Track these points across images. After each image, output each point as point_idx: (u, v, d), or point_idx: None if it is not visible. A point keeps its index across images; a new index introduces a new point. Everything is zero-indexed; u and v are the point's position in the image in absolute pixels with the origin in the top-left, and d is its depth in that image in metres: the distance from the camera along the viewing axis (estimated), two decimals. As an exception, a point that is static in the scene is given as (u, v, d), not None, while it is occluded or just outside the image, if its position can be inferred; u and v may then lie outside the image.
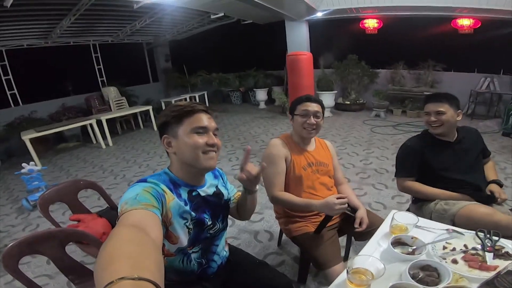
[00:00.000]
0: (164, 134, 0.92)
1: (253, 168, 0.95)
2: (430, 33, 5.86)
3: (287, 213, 1.51)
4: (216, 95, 8.97)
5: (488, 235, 0.99)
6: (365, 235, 1.43)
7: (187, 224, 0.91)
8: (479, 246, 0.96)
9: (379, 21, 5.94)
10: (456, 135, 1.53)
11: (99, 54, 7.13)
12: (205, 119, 0.91)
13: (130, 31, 6.45)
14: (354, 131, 5.16)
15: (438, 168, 1.49)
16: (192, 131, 0.89)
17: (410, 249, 0.95)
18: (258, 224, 2.42)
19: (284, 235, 1.98)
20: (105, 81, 7.28)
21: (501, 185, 1.48)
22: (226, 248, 1.15)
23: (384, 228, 1.14)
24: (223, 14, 5.11)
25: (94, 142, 5.67)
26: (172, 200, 0.86)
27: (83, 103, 6.59)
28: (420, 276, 0.79)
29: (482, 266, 0.87)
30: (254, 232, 2.33)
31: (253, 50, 8.28)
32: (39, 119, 5.78)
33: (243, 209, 1.11)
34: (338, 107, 6.87)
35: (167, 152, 0.95)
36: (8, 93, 5.76)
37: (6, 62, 5.62)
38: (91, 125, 5.32)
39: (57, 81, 6.57)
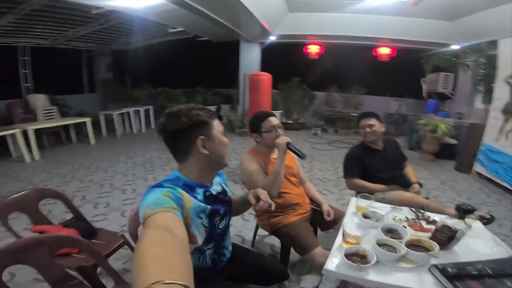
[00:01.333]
0: (200, 135, 0.95)
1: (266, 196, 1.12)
2: (357, 60, 6.98)
3: (268, 210, 1.71)
4: (162, 110, 8.68)
5: (418, 210, 1.43)
6: (329, 225, 1.79)
7: (203, 223, 0.96)
8: (414, 217, 1.36)
9: (320, 47, 6.79)
10: (383, 145, 2.08)
11: (29, 58, 6.25)
12: (220, 123, 1.04)
13: (72, 36, 5.89)
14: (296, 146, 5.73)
15: (373, 169, 1.99)
16: (221, 133, 1.02)
17: (375, 220, 1.28)
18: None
19: (257, 236, 2.19)
20: (32, 87, 6.35)
21: (421, 185, 2.03)
22: (230, 244, 1.26)
23: (351, 208, 1.49)
24: (182, 29, 5.19)
25: (14, 155, 4.85)
26: (190, 202, 0.90)
27: (2, 110, 5.61)
28: (389, 235, 1.11)
29: (422, 228, 1.25)
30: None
31: (203, 67, 8.42)
32: None
33: (236, 212, 1.26)
34: (283, 126, 7.50)
35: (181, 155, 0.98)
36: None
37: None
38: (13, 136, 4.57)
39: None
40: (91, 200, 3.11)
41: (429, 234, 1.14)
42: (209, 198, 1.00)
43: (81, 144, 5.85)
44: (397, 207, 1.53)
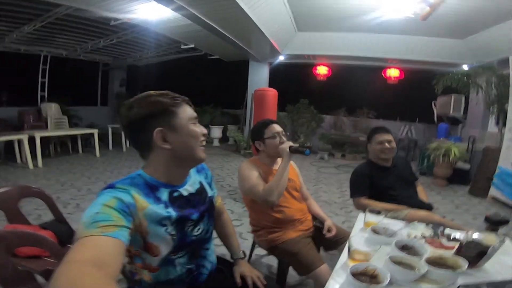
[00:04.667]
0: (158, 127, 0.80)
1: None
2: (366, 83, 6.90)
3: (265, 225, 1.56)
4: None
5: (436, 226, 1.24)
6: (334, 245, 1.60)
7: (168, 230, 0.81)
8: (432, 234, 1.17)
9: (329, 69, 6.78)
10: (392, 162, 1.92)
11: (47, 67, 6.51)
12: (192, 109, 0.89)
13: (90, 48, 6.13)
14: (303, 170, 5.56)
15: (386, 187, 1.82)
16: (189, 121, 0.85)
17: (387, 236, 1.10)
18: (222, 248, 2.32)
19: (253, 255, 1.97)
20: (46, 96, 6.55)
21: (432, 208, 1.82)
22: (214, 254, 1.07)
23: (359, 224, 1.31)
24: (193, 45, 5.34)
25: (19, 161, 4.84)
26: (145, 207, 0.77)
27: (15, 116, 5.73)
28: (405, 252, 0.92)
29: (443, 246, 1.05)
30: (221, 254, 2.22)
31: (212, 86, 8.51)
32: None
33: (223, 234, 1.19)
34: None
35: (143, 151, 0.85)
36: None
37: None
38: (19, 141, 4.59)
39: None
40: (84, 208, 2.98)
41: (452, 252, 0.95)
42: (176, 200, 0.85)
43: (86, 155, 5.83)
44: (411, 223, 1.34)
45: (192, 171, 0.97)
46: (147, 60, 7.59)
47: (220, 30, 3.84)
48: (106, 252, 0.59)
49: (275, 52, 5.75)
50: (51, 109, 5.93)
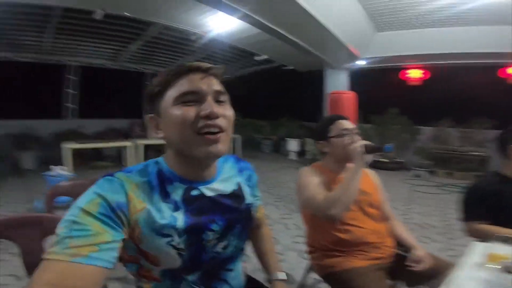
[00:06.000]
0: (150, 113, 0.67)
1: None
2: (477, 86, 5.50)
3: (324, 246, 1.24)
4: (250, 141, 9.07)
5: None
6: (420, 279, 1.15)
7: (173, 243, 0.60)
8: None
9: (425, 71, 5.74)
10: None
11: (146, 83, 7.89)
12: (197, 80, 0.62)
13: (170, 63, 7.07)
14: (391, 187, 4.68)
15: None
16: (175, 101, 0.61)
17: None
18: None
19: (311, 278, 1.63)
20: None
21: None
22: (243, 277, 0.80)
23: (472, 256, 0.88)
24: (266, 57, 5.49)
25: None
26: (140, 210, 0.58)
27: (126, 127, 7.11)
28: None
29: None
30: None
31: (289, 97, 8.49)
32: (85, 134, 6.30)
33: (259, 250, 0.94)
34: (374, 165, 6.43)
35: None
36: (66, 105, 6.52)
37: (73, 77, 6.41)
38: (125, 148, 5.58)
39: (108, 102, 7.34)
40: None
41: None
42: (194, 201, 0.64)
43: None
44: None
45: (229, 168, 0.77)
46: (227, 75, 8.24)
47: (290, 36, 3.74)
48: (72, 285, 0.47)
49: (352, 57, 5.24)
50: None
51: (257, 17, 3.04)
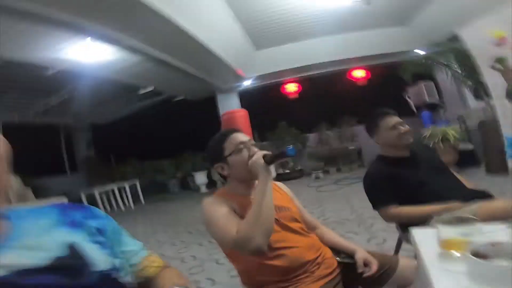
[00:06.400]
0: None
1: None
2: (338, 90, 6.82)
3: (263, 281, 1.03)
4: (151, 184, 8.09)
5: None
6: (378, 281, 1.08)
7: None
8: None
9: (298, 84, 6.60)
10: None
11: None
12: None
13: (44, 108, 5.59)
14: (300, 195, 5.01)
15: (418, 182, 1.35)
16: None
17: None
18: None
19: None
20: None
21: (491, 195, 1.36)
22: None
23: (427, 250, 0.78)
24: (152, 88, 4.99)
25: None
26: None
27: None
28: None
29: None
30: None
31: (186, 130, 8.15)
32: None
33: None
34: (280, 178, 6.88)
35: None
36: None
37: None
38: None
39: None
40: None
41: None
42: None
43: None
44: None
45: (43, 224, 0.53)
46: (112, 116, 7.17)
47: (172, 61, 3.57)
48: None
49: (238, 77, 5.55)
50: (12, 182, 5.26)
51: (132, 41, 2.70)
